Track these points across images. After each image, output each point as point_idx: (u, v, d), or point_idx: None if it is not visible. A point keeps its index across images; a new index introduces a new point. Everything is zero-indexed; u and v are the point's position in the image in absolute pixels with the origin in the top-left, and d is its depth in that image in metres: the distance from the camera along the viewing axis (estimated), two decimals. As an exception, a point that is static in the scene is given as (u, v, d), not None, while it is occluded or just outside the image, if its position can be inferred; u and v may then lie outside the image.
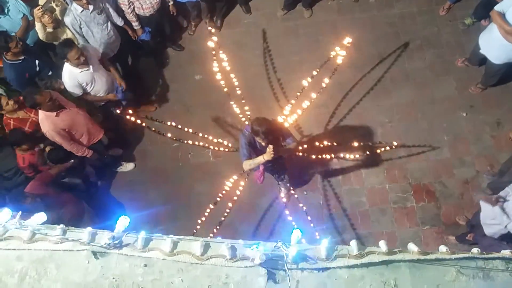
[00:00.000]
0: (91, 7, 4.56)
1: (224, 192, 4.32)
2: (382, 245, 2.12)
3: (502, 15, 4.32)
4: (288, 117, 4.55)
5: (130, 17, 5.04)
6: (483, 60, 5.03)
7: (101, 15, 4.71)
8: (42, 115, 4.20)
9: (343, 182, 5.12)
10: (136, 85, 5.46)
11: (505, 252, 2.13)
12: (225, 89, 4.48)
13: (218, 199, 4.31)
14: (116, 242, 2.08)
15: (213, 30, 4.62)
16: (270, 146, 3.50)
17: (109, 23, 4.83)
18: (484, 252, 2.11)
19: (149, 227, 4.61)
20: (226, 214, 4.39)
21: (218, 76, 4.36)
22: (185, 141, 4.89)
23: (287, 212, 4.53)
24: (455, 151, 5.13)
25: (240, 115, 4.57)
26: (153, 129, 4.85)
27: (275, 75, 5.62)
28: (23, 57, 4.51)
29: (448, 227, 4.80)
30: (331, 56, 4.51)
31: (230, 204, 4.37)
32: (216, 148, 4.95)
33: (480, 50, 4.84)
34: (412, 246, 2.14)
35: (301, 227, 2.40)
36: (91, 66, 4.41)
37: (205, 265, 2.05)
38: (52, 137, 4.28)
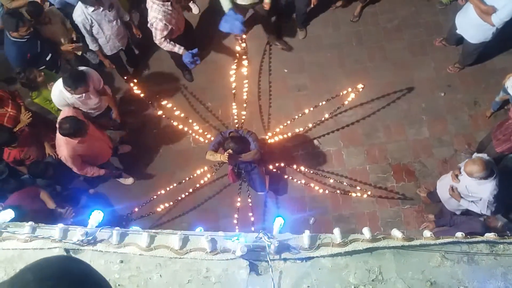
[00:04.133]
0: (102, 7, 4.44)
1: (189, 177, 4.70)
2: (366, 232, 2.09)
3: (479, -6, 4.30)
4: (275, 135, 4.92)
5: (164, 44, 4.60)
6: (460, 40, 5.03)
7: (112, 11, 4.57)
8: (62, 140, 3.91)
9: (325, 164, 5.12)
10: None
11: (489, 236, 2.13)
12: (234, 91, 4.74)
13: (184, 181, 4.67)
14: (90, 238, 1.99)
15: (244, 36, 4.78)
16: (228, 152, 3.89)
17: (118, 20, 4.70)
18: (469, 236, 2.10)
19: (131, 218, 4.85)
20: (185, 195, 4.76)
21: (233, 78, 4.68)
22: (172, 121, 4.86)
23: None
24: (433, 131, 5.16)
25: (235, 117, 4.77)
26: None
27: (282, 95, 5.49)
28: (28, 37, 4.33)
29: (427, 206, 4.86)
30: (341, 94, 4.86)
31: (190, 190, 4.72)
32: (197, 137, 4.91)
33: (456, 30, 4.83)
34: (396, 232, 2.12)
35: (284, 215, 2.38)
36: None
37: (185, 259, 1.99)
38: (66, 161, 4.07)
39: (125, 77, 4.90)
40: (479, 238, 2.07)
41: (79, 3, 4.39)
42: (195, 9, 5.92)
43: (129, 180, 5.15)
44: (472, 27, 4.58)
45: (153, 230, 2.09)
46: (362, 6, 5.64)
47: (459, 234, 2.11)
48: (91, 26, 4.53)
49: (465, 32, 4.73)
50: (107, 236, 2.03)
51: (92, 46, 4.77)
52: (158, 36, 4.52)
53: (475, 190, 3.73)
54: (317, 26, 5.74)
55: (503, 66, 5.17)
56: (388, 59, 5.50)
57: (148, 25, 4.50)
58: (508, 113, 4.31)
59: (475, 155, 3.87)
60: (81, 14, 4.41)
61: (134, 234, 2.06)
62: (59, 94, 4.13)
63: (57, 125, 3.86)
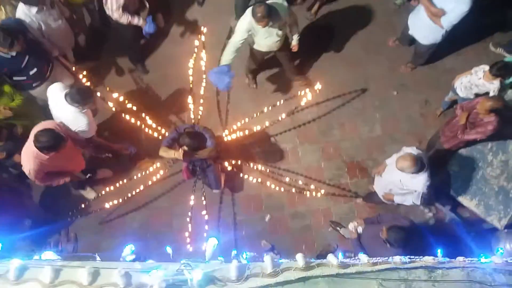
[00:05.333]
0: (45, 7, 4.14)
1: (141, 174, 4.61)
2: (300, 259, 1.96)
3: (429, -4, 4.42)
4: (233, 133, 4.84)
5: (121, 15, 4.41)
6: (413, 40, 5.15)
7: (54, 9, 4.29)
8: (31, 153, 3.59)
9: (281, 162, 5.11)
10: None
11: (428, 259, 2.08)
12: (191, 85, 4.60)
13: (135, 177, 4.59)
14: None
15: (204, 30, 4.63)
16: (183, 148, 3.82)
17: (62, 17, 4.42)
18: (407, 261, 2.02)
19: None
20: (134, 192, 4.60)
21: (190, 72, 4.57)
22: (124, 115, 4.68)
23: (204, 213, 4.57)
24: (386, 129, 5.27)
25: (192, 113, 4.65)
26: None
27: (240, 92, 5.37)
28: (15, 53, 3.91)
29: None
30: (298, 94, 4.86)
31: (141, 187, 4.56)
32: (151, 132, 4.74)
33: (409, 31, 4.94)
34: (331, 258, 2.01)
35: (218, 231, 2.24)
36: None
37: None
38: (28, 174, 3.76)
39: (74, 68, 4.63)
40: (418, 264, 1.99)
41: (20, 5, 4.09)
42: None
43: (91, 194, 4.77)
44: (423, 28, 4.71)
45: (59, 263, 1.88)
46: (319, 5, 5.66)
47: (397, 259, 2.04)
48: (39, 30, 4.22)
49: (417, 33, 4.86)
50: (3, 270, 1.79)
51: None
52: (114, 5, 4.31)
53: (409, 184, 3.84)
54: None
55: (453, 67, 5.35)
56: (342, 57, 5.56)
57: None
58: (455, 111, 4.45)
59: (403, 149, 3.96)
60: (25, 17, 4.09)
61: (36, 267, 1.83)
62: (25, 15, 4.00)
63: (32, 138, 3.54)
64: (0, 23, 4.08)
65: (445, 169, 4.66)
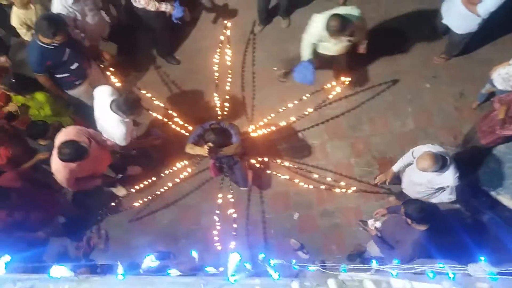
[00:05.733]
0: None
1: (169, 171, 4.58)
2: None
3: (465, -17, 4.20)
4: (259, 129, 4.81)
5: (149, 2, 4.42)
6: (447, 30, 4.92)
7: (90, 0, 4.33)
8: (59, 164, 3.64)
9: (309, 158, 5.01)
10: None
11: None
12: (217, 81, 4.61)
13: (163, 174, 4.58)
14: None
15: (229, 24, 4.57)
16: (208, 144, 3.78)
17: (96, 7, 4.49)
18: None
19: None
20: (163, 190, 4.61)
21: (215, 67, 4.62)
22: (151, 112, 4.72)
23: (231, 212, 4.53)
24: (419, 123, 5.08)
25: (217, 109, 4.60)
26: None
27: (266, 87, 5.31)
28: (57, 44, 3.95)
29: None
30: (325, 87, 4.77)
31: (170, 184, 4.58)
32: (177, 128, 4.74)
33: (442, 20, 4.72)
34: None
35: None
36: None
37: None
38: (61, 183, 3.84)
39: (102, 65, 4.67)
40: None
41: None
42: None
43: (121, 191, 4.80)
44: (457, 17, 4.49)
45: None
46: (348, -5, 5.50)
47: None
48: (75, 20, 4.27)
49: (451, 21, 4.63)
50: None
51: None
52: None
53: (439, 182, 3.67)
54: (301, 15, 5.57)
55: (489, 57, 5.07)
56: (373, 50, 5.35)
57: None
58: (493, 105, 4.24)
59: (419, 148, 3.78)
60: (61, 8, 4.15)
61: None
62: (60, 3, 4.05)
63: (56, 150, 3.60)
64: (44, 13, 4.14)
65: (482, 166, 4.45)
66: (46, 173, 4.33)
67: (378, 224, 3.94)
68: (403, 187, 4.15)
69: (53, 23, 3.81)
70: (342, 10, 4.10)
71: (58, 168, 3.69)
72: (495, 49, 5.21)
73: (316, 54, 4.48)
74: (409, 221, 3.40)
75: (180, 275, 2.56)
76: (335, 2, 5.56)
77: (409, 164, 3.94)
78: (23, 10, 4.32)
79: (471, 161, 4.58)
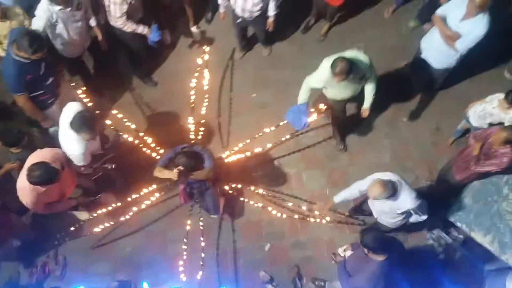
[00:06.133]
0: (69, 7, 4.08)
1: (135, 196, 4.30)
2: None
3: (444, 19, 4.24)
4: (233, 154, 4.66)
5: (126, 23, 4.38)
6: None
7: (79, 11, 4.23)
8: (27, 186, 3.41)
9: (284, 186, 4.88)
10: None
11: None
12: (192, 105, 4.49)
13: (129, 199, 4.31)
14: None
15: (207, 49, 4.52)
16: (178, 168, 3.58)
17: (84, 21, 4.36)
18: None
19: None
20: (128, 216, 4.36)
21: (192, 92, 4.47)
22: (121, 133, 4.54)
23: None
24: (396, 156, 5.03)
25: (192, 133, 4.47)
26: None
27: (242, 113, 5.26)
28: (34, 58, 3.73)
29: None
30: None
31: (135, 209, 4.33)
32: (148, 151, 4.55)
33: (421, 55, 4.75)
34: None
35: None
36: None
37: None
38: (27, 206, 3.58)
39: (72, 84, 4.50)
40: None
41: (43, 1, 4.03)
42: (196, 34, 5.53)
43: (84, 215, 4.49)
44: (437, 52, 4.51)
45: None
46: (329, 26, 5.53)
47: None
48: (54, 26, 4.16)
49: (430, 56, 4.65)
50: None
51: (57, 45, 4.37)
52: (118, 12, 4.24)
53: (398, 207, 3.61)
54: (283, 43, 5.58)
55: (466, 94, 5.10)
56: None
57: (106, 4, 4.20)
58: (468, 141, 4.22)
59: (367, 178, 3.73)
60: (46, 10, 4.03)
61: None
62: (47, 10, 3.96)
63: (24, 171, 3.39)
64: (29, 29, 3.97)
65: (457, 202, 4.39)
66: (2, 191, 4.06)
67: (348, 253, 3.86)
68: (376, 217, 4.05)
69: (35, 40, 3.64)
70: (353, 55, 3.97)
71: (25, 190, 3.45)
72: (472, 86, 5.26)
73: (322, 96, 4.41)
74: (365, 250, 3.34)
75: None
76: (316, 32, 5.58)
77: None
78: None
79: (445, 197, 4.54)
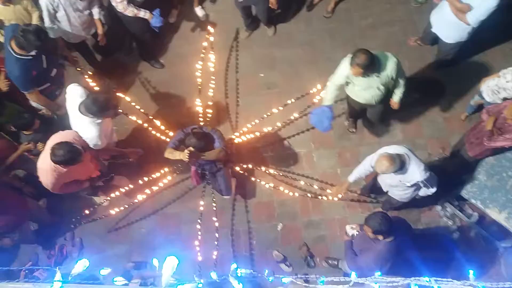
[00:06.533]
0: None
1: (148, 179, 4.34)
2: None
3: (454, -9, 4.14)
4: (243, 135, 4.63)
5: (126, 7, 4.31)
6: (436, 39, 4.86)
7: (83, 1, 4.18)
8: (48, 166, 3.42)
9: (295, 167, 4.88)
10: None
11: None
12: (199, 87, 4.49)
13: (141, 182, 4.34)
14: None
15: (212, 30, 4.49)
16: (189, 149, 3.55)
17: (88, 11, 4.33)
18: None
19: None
20: (141, 198, 4.38)
21: (198, 73, 4.49)
22: (130, 116, 4.56)
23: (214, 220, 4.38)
24: (407, 134, 4.98)
25: (200, 115, 4.45)
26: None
27: (250, 93, 5.19)
28: (34, 53, 3.70)
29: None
30: (311, 91, 4.63)
31: (148, 192, 4.32)
32: (158, 134, 4.57)
33: (431, 29, 4.66)
34: None
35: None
36: None
37: None
38: (46, 186, 3.59)
39: (79, 69, 4.50)
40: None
41: None
42: (201, 13, 5.49)
43: (99, 198, 4.54)
44: (447, 25, 4.41)
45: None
46: (336, 2, 5.43)
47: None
48: (55, 11, 4.13)
49: (440, 31, 4.56)
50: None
51: (50, 32, 4.31)
52: None
53: (408, 179, 3.57)
54: (288, 22, 5.50)
55: (478, 69, 5.02)
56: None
57: None
58: (481, 116, 4.16)
59: (377, 153, 3.66)
60: None
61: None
62: None
63: (47, 151, 3.39)
64: (24, 26, 3.81)
65: (471, 179, 4.36)
66: (15, 176, 4.13)
67: (355, 232, 3.86)
68: (386, 190, 4.03)
69: (34, 36, 3.56)
70: (379, 52, 3.79)
71: (46, 170, 3.46)
72: (484, 60, 5.16)
73: (348, 101, 4.32)
74: (371, 234, 3.30)
75: (125, 284, 2.39)
76: (323, 9, 5.48)
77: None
78: (2, 7, 4.11)
79: (459, 173, 4.50)
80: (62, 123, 4.54)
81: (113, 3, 4.33)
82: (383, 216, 3.24)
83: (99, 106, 3.54)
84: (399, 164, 3.41)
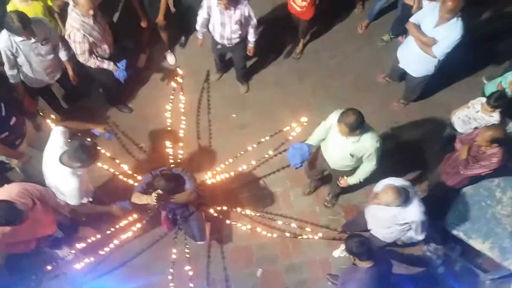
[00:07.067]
0: (33, 39, 3.83)
1: (115, 227, 4.11)
2: None
3: (418, 27, 4.26)
4: (216, 175, 4.50)
5: (88, 59, 4.16)
6: (403, 75, 4.95)
7: (45, 46, 3.97)
8: None
9: (272, 207, 4.69)
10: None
11: None
12: (169, 128, 4.47)
13: (108, 232, 4.04)
14: None
15: (181, 72, 4.47)
16: (157, 192, 3.42)
17: (52, 55, 4.11)
18: None
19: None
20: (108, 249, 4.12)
21: (168, 114, 4.48)
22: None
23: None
24: (384, 170, 4.90)
25: (171, 157, 4.39)
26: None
27: (223, 132, 5.08)
28: None
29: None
30: (284, 129, 4.59)
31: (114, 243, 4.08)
32: (125, 179, 4.32)
33: (399, 64, 4.75)
34: None
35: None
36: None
37: None
38: None
39: (41, 113, 4.28)
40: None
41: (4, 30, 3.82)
42: (170, 59, 5.42)
43: (65, 253, 4.13)
44: (414, 60, 4.51)
45: None
46: (304, 43, 5.52)
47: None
48: (15, 56, 3.93)
49: (408, 66, 4.65)
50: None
51: (11, 77, 4.10)
52: (78, 50, 4.02)
53: (404, 217, 3.44)
54: (259, 63, 5.52)
55: (447, 102, 5.10)
56: (331, 96, 5.31)
57: (66, 36, 3.99)
58: (455, 146, 4.16)
59: (381, 182, 3.55)
60: (6, 40, 3.80)
61: None
62: (8, 39, 3.73)
63: None
64: None
65: (451, 210, 4.26)
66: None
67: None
68: (369, 228, 3.87)
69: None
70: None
71: None
72: (451, 93, 5.28)
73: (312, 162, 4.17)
74: (351, 258, 3.19)
75: None
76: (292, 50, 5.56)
77: None
78: None
79: (438, 206, 4.41)
80: (25, 173, 4.29)
81: (78, 57, 4.18)
82: (360, 239, 3.11)
83: (88, 153, 3.27)
84: (404, 199, 3.28)
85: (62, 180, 3.36)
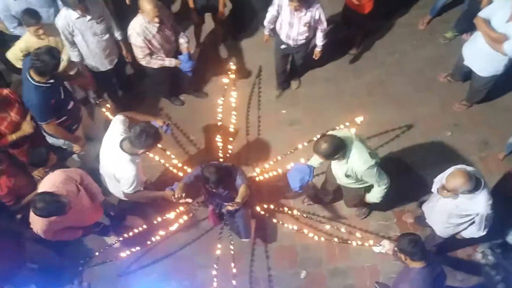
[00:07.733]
0: (88, 16, 3.96)
1: (162, 219, 4.11)
2: None
3: (487, 22, 3.94)
4: (265, 172, 4.38)
5: (149, 62, 4.20)
6: (467, 75, 4.64)
7: (100, 24, 4.09)
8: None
9: (320, 208, 4.54)
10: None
11: None
12: (220, 123, 4.45)
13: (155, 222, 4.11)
14: None
15: (234, 67, 4.45)
16: (196, 201, 3.64)
17: (108, 35, 4.23)
18: None
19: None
20: (154, 239, 4.11)
21: (219, 109, 4.45)
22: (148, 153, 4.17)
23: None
24: (440, 173, 4.62)
25: (220, 151, 4.36)
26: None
27: (272, 129, 4.98)
28: (52, 80, 3.60)
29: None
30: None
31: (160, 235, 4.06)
32: (175, 171, 4.35)
33: (464, 62, 4.44)
34: None
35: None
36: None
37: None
38: (36, 233, 3.37)
39: (98, 101, 4.39)
40: None
41: (62, 10, 3.95)
42: (223, 53, 5.41)
43: (112, 240, 4.22)
44: (481, 58, 4.19)
45: None
46: (360, 39, 5.30)
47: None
48: (72, 35, 4.06)
49: (474, 64, 4.34)
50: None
51: (74, 56, 4.24)
52: (138, 54, 4.09)
53: (468, 207, 3.20)
54: (312, 58, 5.35)
55: (515, 105, 4.73)
56: (388, 95, 5.08)
57: (128, 34, 4.04)
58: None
59: (454, 167, 3.29)
60: (63, 19, 3.95)
61: None
62: (64, 18, 3.86)
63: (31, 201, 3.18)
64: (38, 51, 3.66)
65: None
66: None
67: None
68: (427, 221, 3.68)
69: (50, 57, 3.43)
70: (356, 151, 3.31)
71: (34, 218, 3.23)
72: (521, 96, 4.88)
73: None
74: (402, 257, 3.01)
75: None
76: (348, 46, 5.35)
77: None
78: (36, 40, 4.06)
79: (502, 217, 4.08)
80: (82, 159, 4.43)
81: (138, 60, 4.23)
82: (414, 237, 2.96)
83: (152, 137, 3.28)
84: (474, 184, 3.05)
85: (120, 167, 3.40)
